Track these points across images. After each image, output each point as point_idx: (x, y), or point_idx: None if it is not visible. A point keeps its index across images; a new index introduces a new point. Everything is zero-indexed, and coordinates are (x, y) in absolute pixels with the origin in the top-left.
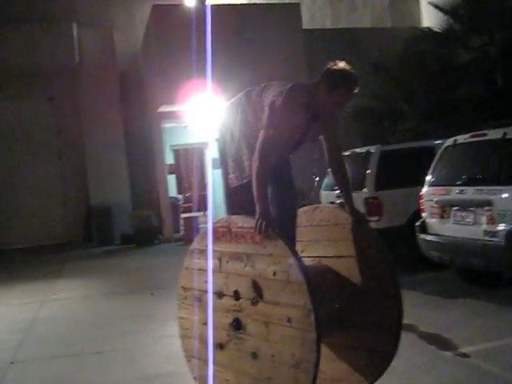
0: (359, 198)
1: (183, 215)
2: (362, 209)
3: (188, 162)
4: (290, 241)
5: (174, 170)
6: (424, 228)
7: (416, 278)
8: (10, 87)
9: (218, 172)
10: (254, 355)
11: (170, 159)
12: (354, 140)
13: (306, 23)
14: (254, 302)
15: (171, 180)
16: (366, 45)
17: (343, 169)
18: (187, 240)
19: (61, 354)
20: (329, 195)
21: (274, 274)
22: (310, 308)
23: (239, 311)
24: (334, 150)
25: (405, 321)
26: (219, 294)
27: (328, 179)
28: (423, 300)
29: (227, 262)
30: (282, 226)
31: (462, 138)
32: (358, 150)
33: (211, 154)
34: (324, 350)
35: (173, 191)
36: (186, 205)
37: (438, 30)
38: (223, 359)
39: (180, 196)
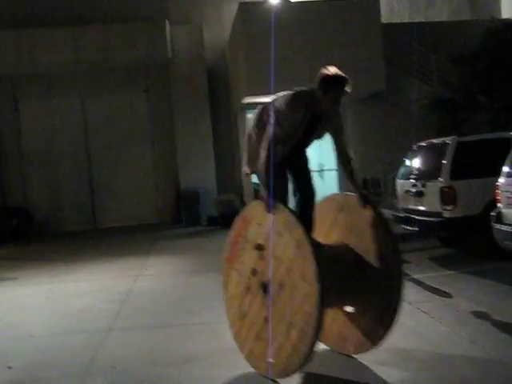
0: (434, 187)
1: None
2: (437, 198)
3: None
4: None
5: None
6: (499, 218)
7: (490, 267)
8: (111, 80)
9: None
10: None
11: None
12: (430, 131)
13: (385, 17)
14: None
15: None
16: (445, 38)
17: (349, 160)
18: None
19: (151, 324)
20: (404, 184)
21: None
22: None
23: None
24: (339, 145)
25: (478, 308)
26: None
27: (403, 168)
28: (497, 289)
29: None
30: (298, 204)
31: None
32: (434, 141)
33: None
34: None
35: (255, 178)
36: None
37: None
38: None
39: None
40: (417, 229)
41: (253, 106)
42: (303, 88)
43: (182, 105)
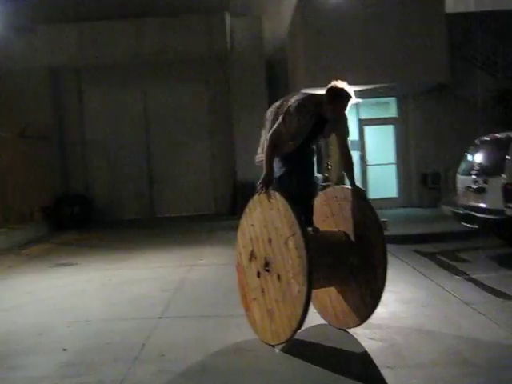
0: (497, 183)
1: None
2: (499, 195)
3: (329, 143)
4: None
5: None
6: None
7: None
8: (171, 71)
9: (356, 154)
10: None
11: None
12: (494, 125)
13: (449, 7)
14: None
15: None
16: None
17: (350, 159)
18: None
19: (202, 313)
20: (465, 180)
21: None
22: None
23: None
24: (343, 145)
25: None
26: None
27: (465, 164)
28: None
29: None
30: (298, 195)
31: None
32: (498, 135)
33: (351, 135)
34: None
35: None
36: (325, 184)
37: None
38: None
39: (319, 175)
40: (477, 226)
41: None
42: (313, 94)
43: (241, 96)
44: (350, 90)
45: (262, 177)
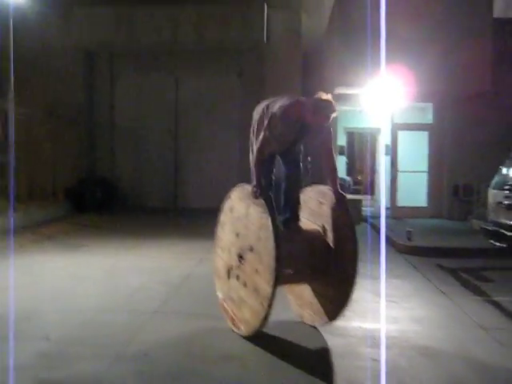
0: None
1: (349, 197)
2: None
3: (360, 146)
4: (289, 202)
5: (344, 151)
6: None
7: None
8: (205, 61)
9: (387, 159)
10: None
11: (342, 141)
12: None
13: (499, 12)
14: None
15: (341, 161)
16: None
17: (333, 166)
18: None
19: (198, 311)
20: (497, 195)
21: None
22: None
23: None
24: (326, 153)
25: None
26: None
27: (498, 178)
28: None
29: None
30: (283, 191)
31: None
32: None
33: (384, 139)
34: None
35: (342, 172)
36: (355, 187)
37: None
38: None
39: (348, 178)
40: (505, 245)
41: (345, 97)
42: (297, 100)
43: (275, 92)
44: (334, 103)
45: (253, 183)
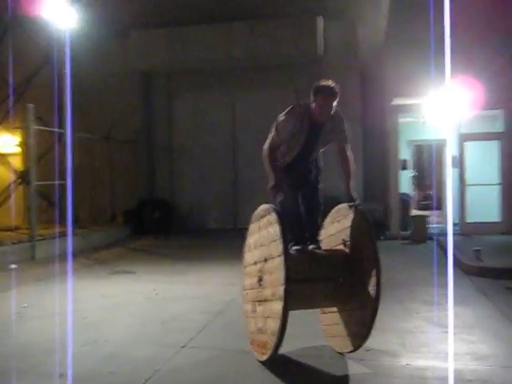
0: None
1: (415, 213)
2: None
3: (429, 159)
4: (290, 218)
5: (408, 165)
6: None
7: None
8: (261, 77)
9: (455, 172)
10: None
11: (405, 154)
12: None
13: None
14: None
15: (405, 176)
16: None
17: (347, 166)
18: (414, 239)
19: (232, 347)
20: None
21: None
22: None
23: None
24: (341, 152)
25: None
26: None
27: None
28: None
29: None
30: (284, 208)
31: None
32: None
33: (450, 151)
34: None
35: (406, 187)
36: (424, 202)
37: None
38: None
39: (412, 193)
40: None
41: (405, 108)
42: (300, 102)
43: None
44: (334, 87)
45: (271, 184)
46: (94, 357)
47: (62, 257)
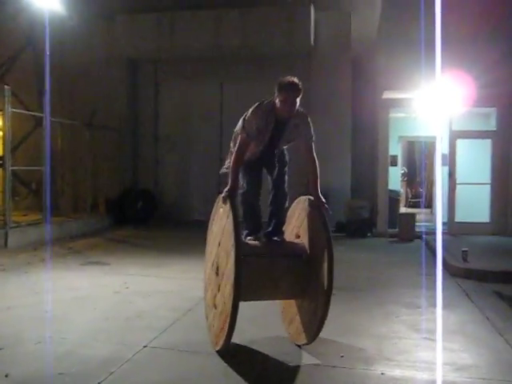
0: None
1: (405, 210)
2: None
3: (421, 156)
4: (248, 209)
5: (397, 161)
6: None
7: None
8: (250, 66)
9: (445, 169)
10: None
11: (396, 150)
12: None
13: None
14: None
15: (395, 172)
16: None
17: (314, 166)
18: (401, 237)
19: (195, 348)
20: None
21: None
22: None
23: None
24: (307, 152)
25: None
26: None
27: None
28: None
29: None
30: (244, 200)
31: None
32: None
33: (440, 148)
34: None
35: (395, 184)
36: (414, 200)
37: None
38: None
39: (401, 190)
40: None
41: (396, 102)
42: (266, 99)
43: (322, 97)
44: (298, 83)
45: (227, 187)
46: (46, 356)
47: (36, 245)
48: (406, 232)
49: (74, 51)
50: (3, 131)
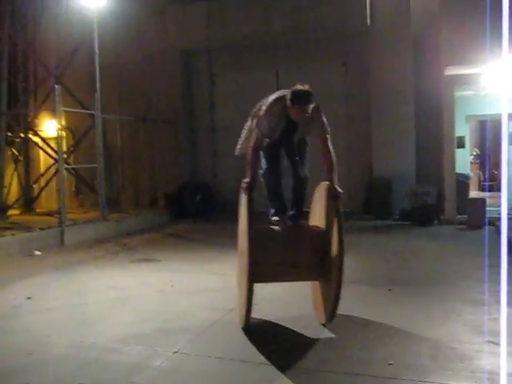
0: None
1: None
2: None
3: (495, 136)
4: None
5: (464, 143)
6: None
7: None
8: (305, 51)
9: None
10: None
11: (463, 131)
12: None
13: None
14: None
15: (463, 154)
16: None
17: (329, 157)
18: (470, 224)
19: (232, 355)
20: None
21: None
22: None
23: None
24: (322, 145)
25: None
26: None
27: None
28: None
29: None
30: (267, 181)
31: None
32: None
33: (507, 127)
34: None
35: (463, 168)
36: (489, 183)
37: None
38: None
39: (470, 173)
40: None
41: (462, 80)
42: (282, 95)
43: (382, 80)
44: (309, 93)
45: (245, 180)
46: (71, 362)
47: (92, 243)
48: (475, 218)
49: (129, 48)
50: (65, 131)
